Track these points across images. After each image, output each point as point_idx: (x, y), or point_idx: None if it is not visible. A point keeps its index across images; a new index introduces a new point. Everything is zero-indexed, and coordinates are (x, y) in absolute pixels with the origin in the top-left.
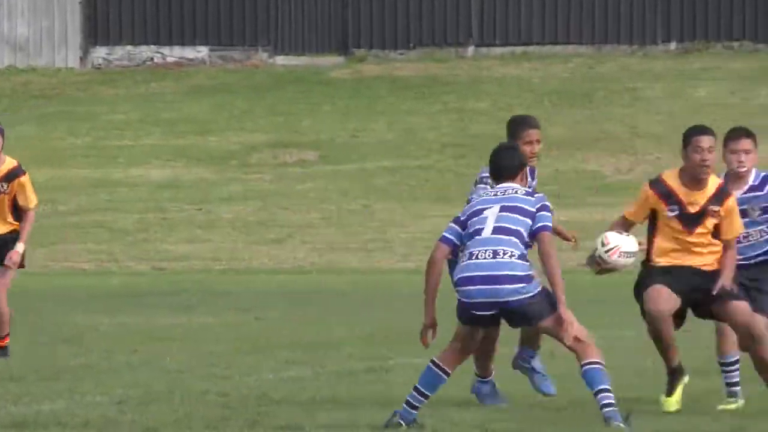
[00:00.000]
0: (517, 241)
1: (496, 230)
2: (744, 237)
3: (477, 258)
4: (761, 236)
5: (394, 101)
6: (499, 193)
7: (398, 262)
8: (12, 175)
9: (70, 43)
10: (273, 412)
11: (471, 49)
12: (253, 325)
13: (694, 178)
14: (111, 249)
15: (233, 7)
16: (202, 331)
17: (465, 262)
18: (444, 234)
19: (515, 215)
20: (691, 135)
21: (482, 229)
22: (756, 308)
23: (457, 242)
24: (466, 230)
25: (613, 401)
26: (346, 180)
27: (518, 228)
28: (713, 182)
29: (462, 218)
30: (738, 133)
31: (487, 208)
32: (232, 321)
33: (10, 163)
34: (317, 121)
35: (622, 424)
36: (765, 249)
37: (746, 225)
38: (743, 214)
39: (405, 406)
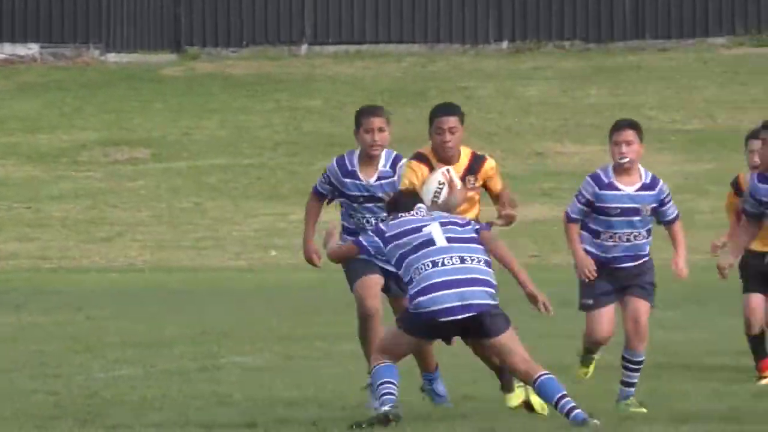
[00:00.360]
0: (479, 247)
1: (451, 240)
2: (635, 237)
3: (443, 264)
4: (641, 238)
5: (227, 99)
6: (426, 215)
7: (230, 260)
8: None
9: None
10: (104, 411)
11: (304, 48)
12: (84, 324)
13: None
14: None
15: (64, 3)
16: (32, 330)
17: (428, 271)
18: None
19: (457, 227)
20: (433, 116)
21: (432, 239)
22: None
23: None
24: (403, 248)
25: (575, 404)
26: (177, 178)
27: (471, 235)
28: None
29: (387, 234)
30: (620, 124)
31: (425, 225)
32: (63, 320)
33: None
34: (149, 118)
35: (596, 421)
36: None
37: (636, 225)
38: (635, 212)
39: (387, 403)
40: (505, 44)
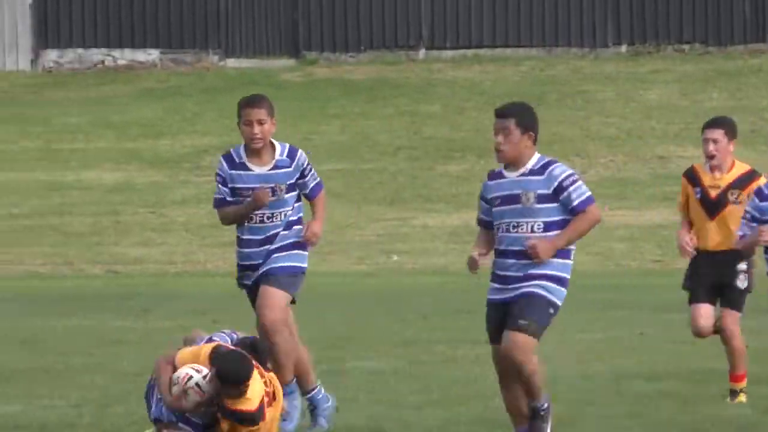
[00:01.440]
0: None
1: None
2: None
3: None
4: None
5: (346, 104)
6: None
7: (352, 265)
8: None
9: (20, 46)
10: None
11: (422, 52)
12: (210, 329)
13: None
14: (65, 252)
15: (184, 9)
16: (158, 335)
17: None
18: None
19: None
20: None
21: None
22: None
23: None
24: None
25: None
26: None
27: None
28: None
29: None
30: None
31: None
32: (188, 324)
33: None
34: None
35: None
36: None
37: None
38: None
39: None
40: (624, 48)
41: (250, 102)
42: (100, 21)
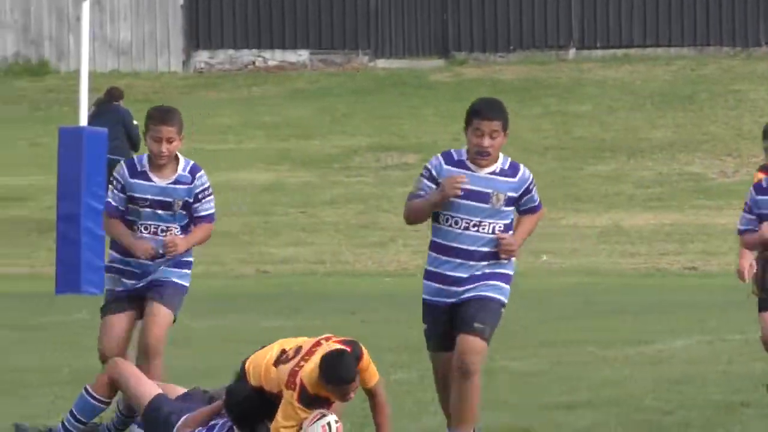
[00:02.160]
0: None
1: None
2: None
3: None
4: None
5: None
6: None
7: None
8: None
9: (172, 48)
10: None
11: (572, 52)
12: (358, 328)
13: None
14: (216, 252)
15: (334, 10)
16: (309, 334)
17: None
18: None
19: None
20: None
21: None
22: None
23: None
24: None
25: None
26: None
27: None
28: None
29: None
30: None
31: None
32: (338, 324)
33: None
34: (418, 124)
35: None
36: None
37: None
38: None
39: None
40: None
41: (162, 119)
42: (251, 22)
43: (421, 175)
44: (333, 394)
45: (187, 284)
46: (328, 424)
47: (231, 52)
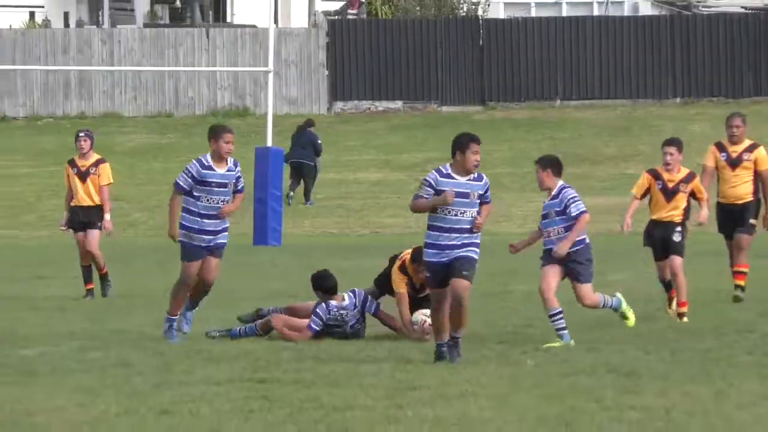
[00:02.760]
0: None
1: None
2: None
3: None
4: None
5: None
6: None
7: None
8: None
9: (321, 99)
10: None
11: (558, 102)
12: None
13: None
14: (346, 222)
15: (416, 77)
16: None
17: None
18: None
19: None
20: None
21: None
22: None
23: None
24: None
25: None
26: None
27: None
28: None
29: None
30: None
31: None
32: None
33: (95, 156)
34: None
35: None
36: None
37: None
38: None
39: None
40: None
41: (231, 131)
42: (368, 83)
43: (423, 183)
44: (414, 273)
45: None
46: (424, 314)
47: (356, 102)
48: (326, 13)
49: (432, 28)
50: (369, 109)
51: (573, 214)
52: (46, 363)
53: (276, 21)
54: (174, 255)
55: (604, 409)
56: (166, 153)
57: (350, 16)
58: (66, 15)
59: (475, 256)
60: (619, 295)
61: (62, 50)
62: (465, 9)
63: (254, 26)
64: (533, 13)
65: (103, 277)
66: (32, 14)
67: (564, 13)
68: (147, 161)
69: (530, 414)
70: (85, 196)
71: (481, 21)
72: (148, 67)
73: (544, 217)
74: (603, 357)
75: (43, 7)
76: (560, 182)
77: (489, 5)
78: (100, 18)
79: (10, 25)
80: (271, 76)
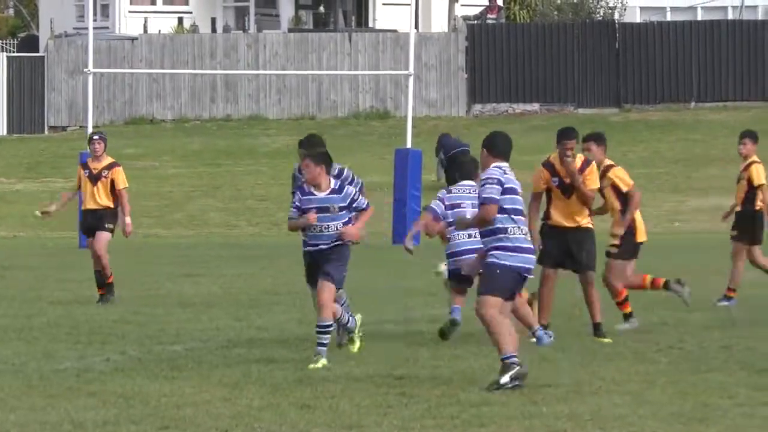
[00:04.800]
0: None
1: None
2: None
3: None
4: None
5: None
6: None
7: None
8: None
9: (460, 102)
10: None
11: (693, 104)
12: None
13: None
14: None
15: (553, 80)
16: None
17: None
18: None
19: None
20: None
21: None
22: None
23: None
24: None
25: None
26: None
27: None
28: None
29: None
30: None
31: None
32: None
33: (109, 159)
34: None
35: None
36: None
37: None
38: (327, 210)
39: None
40: None
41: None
42: (505, 87)
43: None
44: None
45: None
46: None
47: (494, 104)
48: (465, 18)
49: (569, 32)
50: (507, 111)
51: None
52: (193, 358)
53: (416, 26)
54: None
55: (737, 405)
56: None
57: (489, 21)
58: (213, 20)
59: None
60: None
61: (209, 54)
62: (601, 13)
63: (395, 31)
64: (668, 17)
65: (109, 286)
66: (181, 20)
67: (699, 17)
68: (290, 162)
69: (664, 410)
70: (95, 198)
71: (617, 25)
72: (292, 71)
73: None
74: (735, 354)
75: (191, 12)
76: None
77: (625, 9)
78: (246, 23)
79: (159, 30)
80: (411, 79)
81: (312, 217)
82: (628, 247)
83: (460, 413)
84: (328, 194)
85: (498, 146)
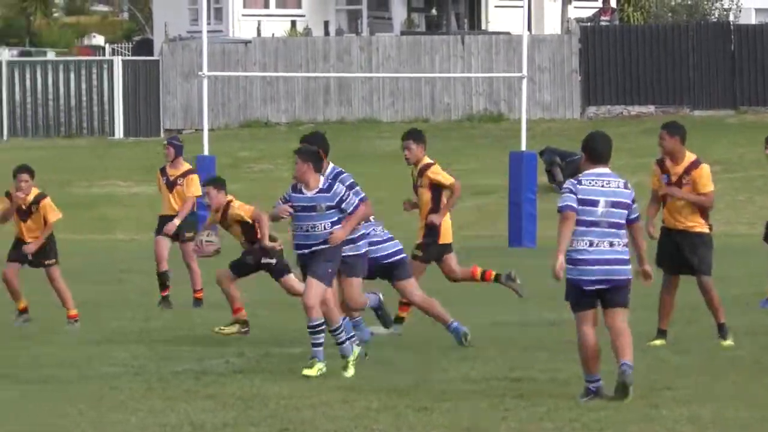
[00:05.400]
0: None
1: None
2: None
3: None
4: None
5: None
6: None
7: None
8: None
9: (574, 105)
10: None
11: None
12: None
13: None
14: None
15: (668, 82)
16: None
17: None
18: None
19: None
20: None
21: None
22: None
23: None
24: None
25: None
26: None
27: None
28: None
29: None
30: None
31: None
32: None
33: (186, 167)
34: (721, 146)
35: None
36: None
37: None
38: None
39: None
40: None
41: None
42: (620, 89)
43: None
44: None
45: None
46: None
47: (608, 106)
48: (579, 20)
49: (684, 34)
50: (621, 113)
51: None
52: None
53: (529, 28)
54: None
55: None
56: None
57: (603, 23)
58: (326, 23)
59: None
60: None
61: (322, 57)
62: (716, 15)
63: (508, 33)
64: None
65: (165, 298)
66: (294, 23)
67: None
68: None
69: None
70: (172, 205)
71: (732, 26)
72: (405, 74)
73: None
74: None
75: (304, 16)
76: None
77: (740, 11)
78: (359, 26)
79: (273, 34)
80: (524, 81)
81: (283, 208)
82: (431, 250)
83: (580, 416)
84: (316, 193)
85: (594, 151)
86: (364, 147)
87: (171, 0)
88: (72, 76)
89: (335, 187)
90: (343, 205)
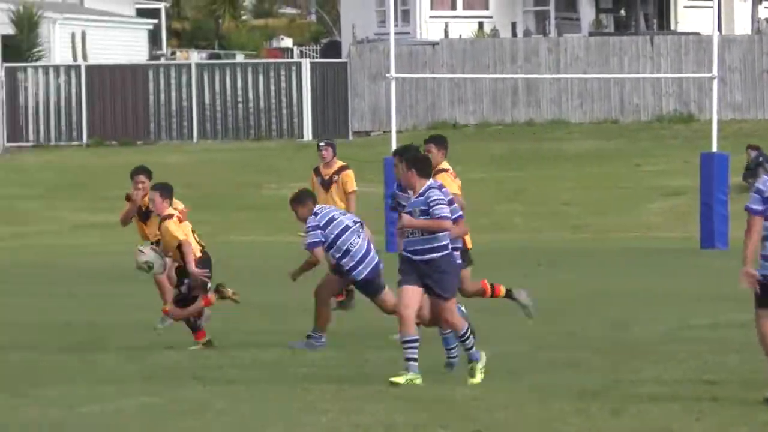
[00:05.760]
0: None
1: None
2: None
3: None
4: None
5: None
6: None
7: None
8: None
9: (766, 105)
10: None
11: None
12: None
13: None
14: None
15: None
16: None
17: None
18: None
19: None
20: None
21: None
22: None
23: None
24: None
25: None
26: None
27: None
28: None
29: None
30: None
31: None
32: None
33: (339, 164)
34: None
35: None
36: None
37: None
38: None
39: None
40: None
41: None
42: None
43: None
44: None
45: None
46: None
47: None
48: None
49: None
50: None
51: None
52: (501, 362)
53: (720, 28)
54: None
55: None
56: (611, 159)
57: None
58: (513, 25)
59: None
60: None
61: (510, 59)
62: None
63: (698, 33)
64: None
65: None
66: (481, 24)
67: None
68: (593, 167)
69: None
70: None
71: None
72: (593, 75)
73: None
74: None
75: (491, 17)
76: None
77: None
78: (547, 27)
79: (460, 35)
80: (715, 82)
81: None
82: (463, 256)
83: None
84: (416, 198)
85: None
86: (552, 148)
87: (359, 2)
88: (261, 78)
89: (428, 192)
90: (429, 211)
